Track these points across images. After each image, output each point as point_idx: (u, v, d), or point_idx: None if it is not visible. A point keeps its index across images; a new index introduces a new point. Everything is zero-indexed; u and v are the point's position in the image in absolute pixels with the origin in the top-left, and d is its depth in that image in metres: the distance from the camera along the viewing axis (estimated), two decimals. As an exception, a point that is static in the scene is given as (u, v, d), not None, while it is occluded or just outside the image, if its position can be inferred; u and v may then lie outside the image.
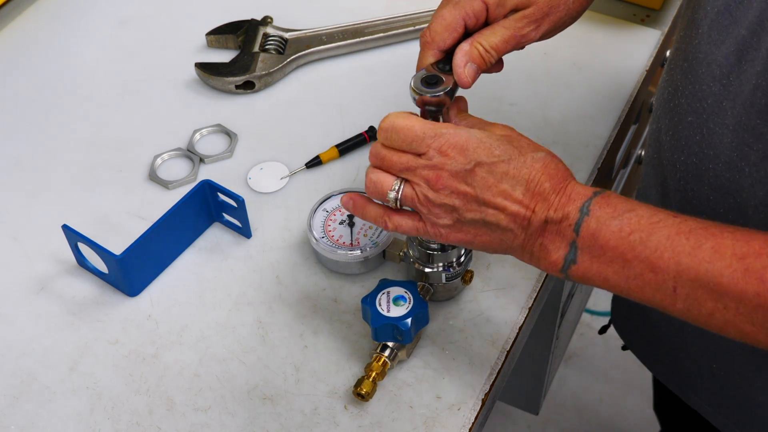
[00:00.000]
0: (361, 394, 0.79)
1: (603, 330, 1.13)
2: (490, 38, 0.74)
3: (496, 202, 0.68)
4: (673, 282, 0.62)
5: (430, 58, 0.75)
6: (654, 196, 0.86)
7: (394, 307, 0.80)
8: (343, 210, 0.91)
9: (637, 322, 0.99)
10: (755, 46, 0.68)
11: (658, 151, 0.81)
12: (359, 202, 0.75)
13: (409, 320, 0.79)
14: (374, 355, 0.80)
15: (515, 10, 0.75)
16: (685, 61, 0.76)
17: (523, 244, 0.69)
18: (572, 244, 0.66)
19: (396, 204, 0.72)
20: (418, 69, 0.75)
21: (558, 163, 0.70)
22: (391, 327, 0.79)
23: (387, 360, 0.80)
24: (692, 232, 0.62)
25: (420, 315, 0.80)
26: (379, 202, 0.75)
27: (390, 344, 0.80)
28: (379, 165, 0.72)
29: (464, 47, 0.74)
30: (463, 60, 0.74)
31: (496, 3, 0.75)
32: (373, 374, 0.79)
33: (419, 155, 0.70)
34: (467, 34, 0.76)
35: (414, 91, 0.74)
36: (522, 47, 0.78)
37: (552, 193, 0.68)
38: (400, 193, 0.71)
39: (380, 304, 0.80)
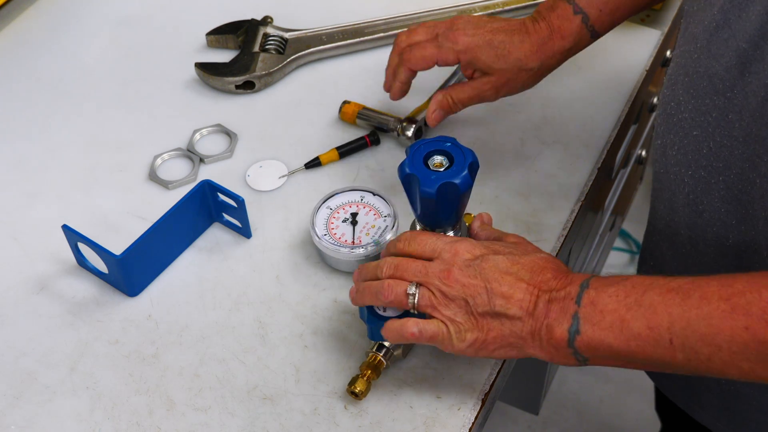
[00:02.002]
0: (354, 392, 0.79)
1: None
2: (459, 94, 0.93)
3: (503, 291, 0.72)
4: (668, 334, 0.65)
5: (402, 75, 0.94)
6: (662, 211, 0.86)
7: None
8: (347, 208, 0.91)
9: None
10: (759, 58, 0.68)
11: (665, 166, 0.81)
12: (395, 324, 0.77)
13: None
14: (369, 354, 0.80)
15: (479, 70, 0.91)
16: (685, 75, 0.76)
17: (532, 330, 0.72)
18: (574, 315, 0.69)
19: (414, 304, 0.75)
20: (389, 76, 0.96)
21: (559, 262, 0.75)
22: None
23: (382, 359, 0.80)
24: (681, 288, 0.66)
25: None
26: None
27: (386, 343, 0.80)
28: (392, 273, 0.77)
29: (438, 96, 0.94)
30: (434, 106, 0.94)
31: (467, 62, 0.91)
32: (368, 373, 0.79)
33: (431, 260, 0.75)
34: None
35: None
36: (481, 102, 0.95)
37: (554, 279, 0.72)
38: (417, 293, 0.75)
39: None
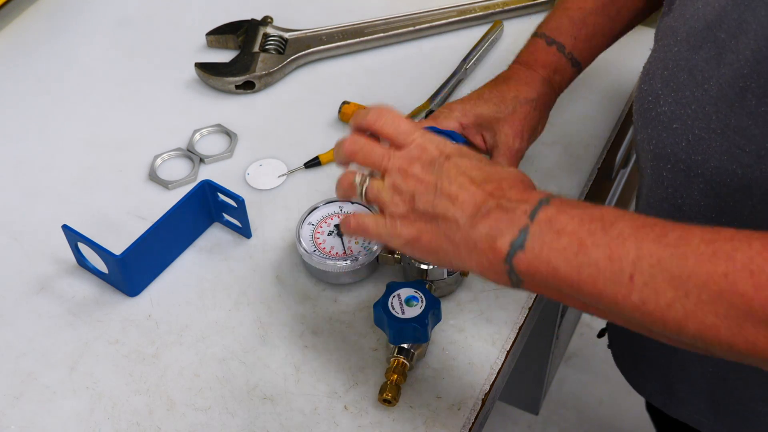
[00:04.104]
0: (387, 399, 0.78)
1: (601, 333, 1.13)
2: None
3: (451, 191, 0.67)
4: (631, 268, 0.58)
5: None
6: (642, 207, 0.85)
7: (408, 308, 0.80)
8: (329, 221, 0.91)
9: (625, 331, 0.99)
10: (733, 48, 0.68)
11: (643, 161, 0.81)
12: (342, 220, 0.75)
13: (428, 318, 0.79)
14: (392, 359, 0.80)
15: (488, 129, 0.85)
16: (665, 69, 0.76)
17: (467, 236, 0.65)
18: (524, 229, 0.62)
19: (361, 193, 0.72)
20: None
21: (528, 179, 0.69)
22: (411, 328, 0.79)
23: (405, 361, 0.80)
24: (657, 224, 0.59)
25: (436, 312, 0.80)
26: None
27: (405, 345, 0.80)
28: (356, 150, 0.72)
29: None
30: None
31: (472, 123, 0.85)
32: (395, 378, 0.79)
33: (400, 146, 0.71)
34: None
35: None
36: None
37: (511, 189, 0.66)
38: (367, 181, 0.71)
39: (393, 307, 0.80)
